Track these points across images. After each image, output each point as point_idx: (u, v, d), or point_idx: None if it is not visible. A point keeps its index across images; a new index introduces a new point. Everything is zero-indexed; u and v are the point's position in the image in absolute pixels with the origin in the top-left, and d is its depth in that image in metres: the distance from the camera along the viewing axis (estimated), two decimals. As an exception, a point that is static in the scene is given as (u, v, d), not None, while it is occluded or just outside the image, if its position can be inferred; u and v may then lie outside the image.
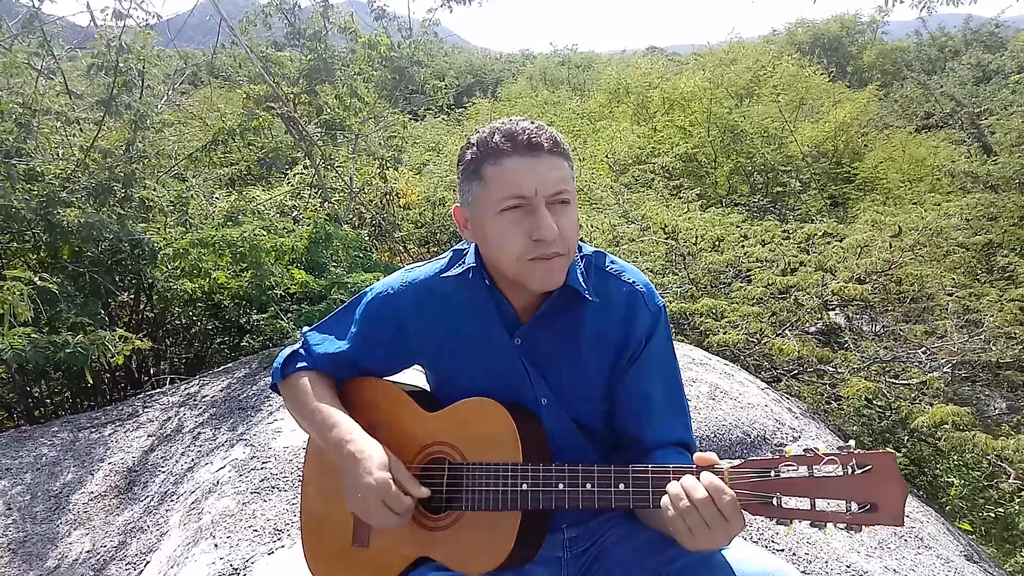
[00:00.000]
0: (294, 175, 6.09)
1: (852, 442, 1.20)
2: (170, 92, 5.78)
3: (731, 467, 1.23)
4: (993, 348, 4.61)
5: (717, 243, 5.91)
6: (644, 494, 1.28)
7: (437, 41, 6.96)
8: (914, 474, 4.07)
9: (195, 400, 3.75)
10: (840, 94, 11.73)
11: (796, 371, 4.81)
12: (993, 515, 3.72)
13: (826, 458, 1.18)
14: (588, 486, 1.31)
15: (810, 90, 11.14)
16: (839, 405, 4.39)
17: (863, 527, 1.16)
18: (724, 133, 9.12)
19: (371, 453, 1.41)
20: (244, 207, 5.01)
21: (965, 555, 2.77)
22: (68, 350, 3.36)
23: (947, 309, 5.07)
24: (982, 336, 4.70)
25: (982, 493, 3.84)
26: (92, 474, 3.25)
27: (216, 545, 2.45)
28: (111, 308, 4.44)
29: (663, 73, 11.97)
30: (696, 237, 5.90)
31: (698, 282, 5.55)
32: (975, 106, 11.03)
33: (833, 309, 5.45)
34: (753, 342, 4.73)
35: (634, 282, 1.53)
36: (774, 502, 1.19)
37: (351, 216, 6.03)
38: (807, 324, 5.23)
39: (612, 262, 1.55)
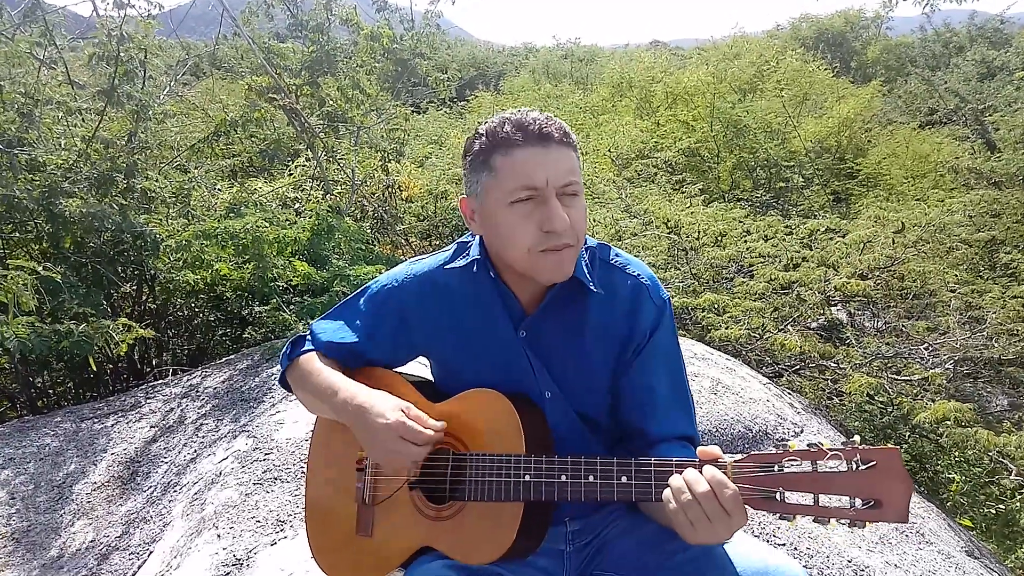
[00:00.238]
0: (296, 167, 6.09)
1: (856, 437, 1.19)
2: (172, 83, 5.77)
3: (734, 461, 1.22)
4: (995, 345, 4.60)
5: (719, 238, 5.90)
6: (647, 487, 1.28)
7: (439, 34, 6.94)
8: (915, 470, 4.08)
9: (197, 391, 3.75)
10: (844, 90, 11.69)
11: (798, 366, 4.81)
12: (994, 511, 3.73)
13: (830, 453, 1.16)
14: (591, 478, 1.31)
15: (814, 85, 11.09)
16: (841, 401, 4.39)
17: (866, 523, 1.14)
18: (727, 128, 9.09)
19: (380, 399, 1.43)
20: (246, 199, 5.01)
21: (966, 551, 2.77)
22: (72, 339, 3.36)
23: (949, 305, 5.06)
24: (984, 333, 4.69)
25: (983, 489, 3.85)
26: (95, 464, 3.25)
27: (219, 536, 2.46)
28: (113, 299, 4.44)
29: (666, 67, 11.94)
30: (699, 232, 5.89)
31: (700, 277, 5.55)
32: (979, 102, 10.99)
33: (835, 305, 5.44)
34: (755, 337, 4.73)
35: (639, 275, 1.52)
36: (777, 496, 1.18)
37: (353, 208, 6.03)
38: (809, 319, 5.22)
39: (617, 255, 1.55)
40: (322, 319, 1.66)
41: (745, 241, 5.71)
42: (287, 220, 4.71)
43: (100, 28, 4.37)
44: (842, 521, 1.15)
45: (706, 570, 1.35)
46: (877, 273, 5.10)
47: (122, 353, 3.72)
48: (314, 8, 5.94)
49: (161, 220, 4.52)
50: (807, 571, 2.30)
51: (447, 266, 1.54)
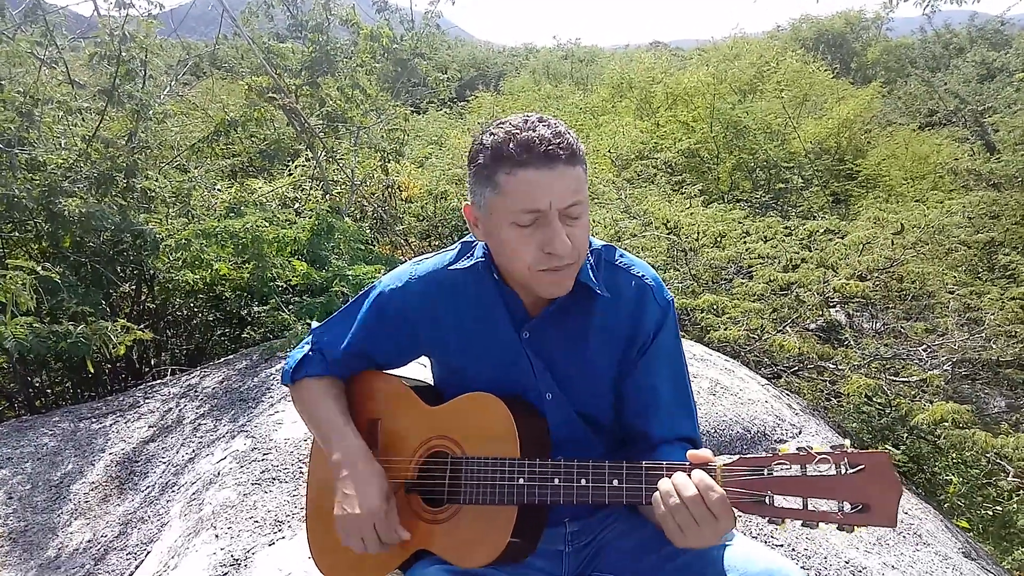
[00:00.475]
0: (296, 167, 6.09)
1: (846, 441, 1.19)
2: (172, 82, 5.77)
3: (723, 465, 1.22)
4: (993, 346, 4.61)
5: (719, 239, 5.91)
6: (637, 490, 1.28)
7: (439, 34, 6.95)
8: (913, 471, 4.08)
9: (196, 391, 3.75)
10: (844, 91, 11.70)
11: (796, 368, 4.81)
12: (991, 513, 3.73)
13: (819, 457, 1.16)
14: (583, 481, 1.32)
15: (814, 86, 11.10)
16: (839, 402, 4.39)
17: (855, 527, 1.15)
18: (727, 129, 9.09)
19: (375, 478, 1.45)
20: (246, 199, 5.01)
21: (963, 552, 2.77)
22: (70, 340, 3.36)
23: (948, 307, 5.07)
24: (983, 334, 4.70)
25: (981, 491, 3.85)
26: (93, 464, 3.25)
27: (217, 536, 2.46)
28: (112, 299, 4.44)
29: (666, 68, 11.94)
30: (698, 233, 5.90)
31: (699, 278, 5.55)
32: (979, 104, 11.00)
33: (834, 306, 5.45)
34: (754, 338, 4.74)
35: (643, 276, 1.52)
36: (766, 500, 1.18)
37: (353, 208, 6.03)
38: (808, 321, 5.23)
39: (621, 256, 1.55)
40: (324, 324, 1.66)
41: (744, 242, 5.72)
42: (287, 220, 4.71)
43: (102, 28, 4.37)
44: (830, 525, 1.15)
45: (704, 572, 1.36)
46: (876, 274, 5.10)
47: (120, 354, 3.72)
48: (313, 8, 5.94)
49: (161, 220, 4.52)
50: (805, 572, 2.31)
51: (451, 267, 1.54)
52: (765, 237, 5.79)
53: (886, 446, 4.08)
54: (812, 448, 1.18)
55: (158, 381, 4.13)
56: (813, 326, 5.35)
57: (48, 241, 4.19)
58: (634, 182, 7.74)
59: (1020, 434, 3.66)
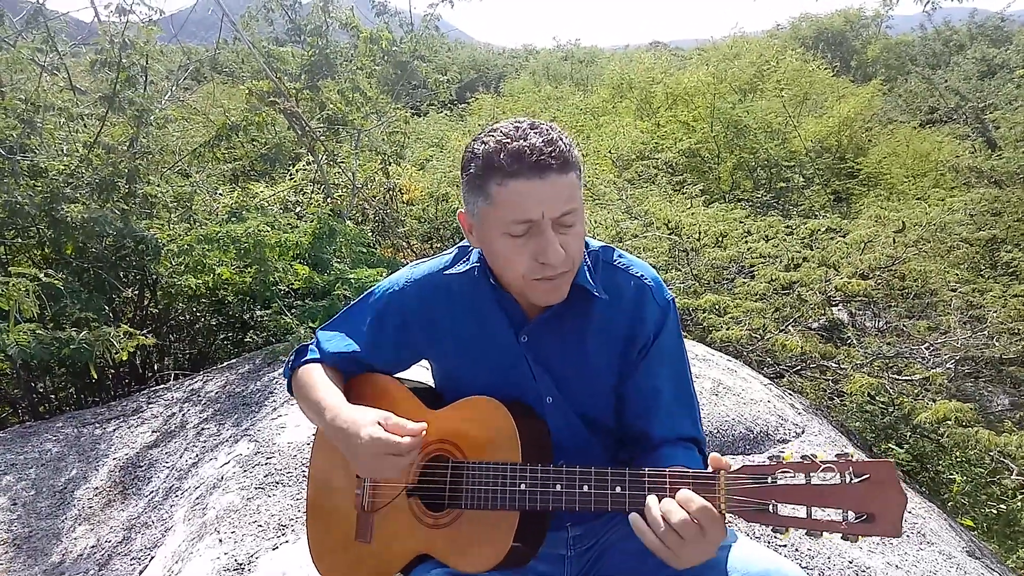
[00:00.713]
0: (297, 171, 6.10)
1: (851, 449, 1.18)
2: (173, 88, 5.78)
3: (727, 473, 1.21)
4: (996, 344, 4.60)
5: (720, 239, 5.91)
6: (640, 498, 1.27)
7: (439, 36, 6.95)
8: (916, 470, 4.07)
9: (199, 396, 3.76)
10: (844, 89, 11.70)
11: (799, 367, 4.81)
12: (995, 511, 3.72)
13: (823, 465, 1.15)
14: (585, 488, 1.31)
15: (814, 85, 11.10)
16: (842, 401, 4.39)
17: (859, 537, 1.13)
18: (727, 128, 9.09)
19: (359, 416, 1.41)
20: (247, 203, 5.02)
21: (967, 551, 2.77)
22: (73, 346, 3.37)
23: (950, 305, 5.06)
24: (985, 332, 4.69)
25: (984, 489, 3.84)
26: (96, 469, 3.26)
27: (220, 540, 2.46)
28: (115, 304, 4.45)
29: (666, 68, 11.94)
30: (699, 233, 5.90)
31: (701, 278, 5.55)
32: (980, 101, 10.98)
33: (836, 305, 5.44)
34: (756, 338, 4.73)
35: (643, 276, 1.52)
36: (770, 509, 1.17)
37: (354, 212, 6.04)
38: (810, 320, 5.22)
39: (620, 256, 1.54)
40: (326, 327, 1.67)
41: (746, 241, 5.72)
42: (288, 224, 4.71)
43: (102, 34, 4.38)
44: (834, 535, 1.14)
45: (705, 575, 1.35)
46: (878, 273, 5.10)
47: (123, 359, 3.72)
48: (312, 12, 5.96)
49: (163, 225, 4.53)
50: (808, 573, 2.31)
51: (447, 271, 1.55)
52: (767, 236, 5.79)
53: (889, 445, 4.08)
54: (816, 456, 1.16)
55: (161, 386, 4.14)
56: (815, 325, 5.34)
57: (51, 247, 4.20)
58: (635, 182, 7.75)
59: (1023, 432, 3.66)
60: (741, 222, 6.19)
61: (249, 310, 4.73)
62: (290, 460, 2.91)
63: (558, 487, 1.33)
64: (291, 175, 6.09)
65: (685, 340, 1.61)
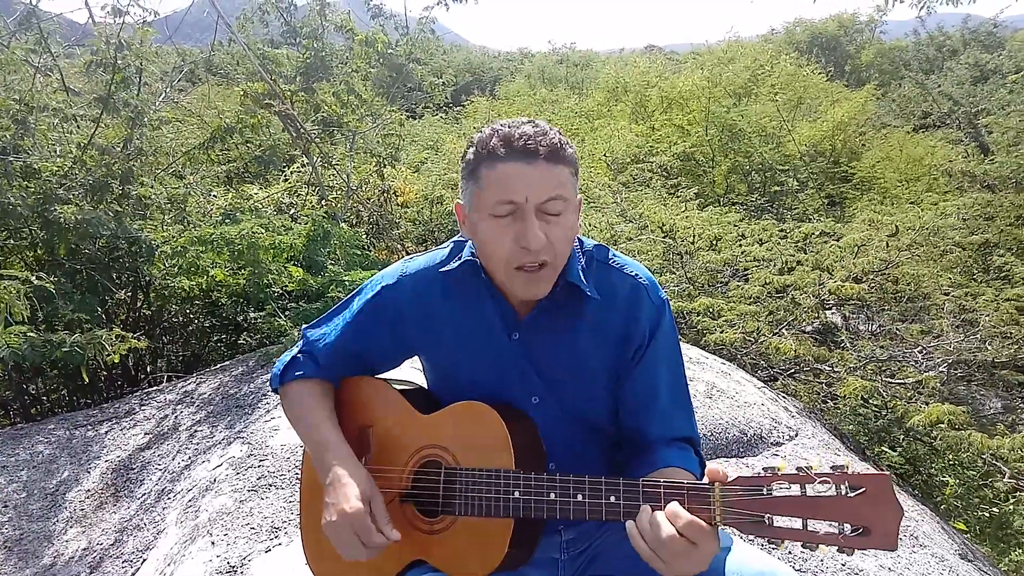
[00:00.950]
0: (291, 173, 6.09)
1: (846, 461, 1.18)
2: (168, 89, 5.77)
3: (722, 485, 1.21)
4: (989, 347, 4.62)
5: (714, 242, 5.92)
6: (634, 508, 1.26)
7: (434, 39, 6.97)
8: (909, 473, 4.08)
9: (192, 398, 3.74)
10: (838, 93, 11.75)
11: (793, 370, 4.82)
12: (988, 514, 3.73)
13: (819, 478, 1.15)
14: (579, 497, 1.31)
15: (808, 89, 11.14)
16: (835, 404, 4.40)
17: (855, 550, 1.13)
18: (722, 132, 9.12)
19: (355, 481, 1.40)
20: (242, 205, 5.01)
21: (960, 554, 2.78)
22: (64, 349, 3.35)
23: (943, 308, 5.08)
24: (978, 335, 4.70)
25: (977, 492, 3.85)
26: (88, 472, 3.25)
27: (213, 543, 2.45)
28: (108, 306, 4.44)
29: (661, 72, 11.97)
30: (693, 236, 5.91)
31: (695, 281, 5.56)
32: (972, 106, 11.03)
33: (830, 308, 5.46)
34: (750, 341, 4.74)
35: (637, 275, 1.52)
36: (765, 521, 1.17)
37: (349, 214, 6.04)
38: (804, 323, 5.23)
39: (614, 256, 1.54)
40: (316, 324, 1.64)
41: (740, 245, 5.72)
42: (282, 226, 4.71)
43: (96, 35, 4.37)
44: (830, 548, 1.14)
45: None
46: (871, 276, 5.12)
47: (115, 362, 3.71)
48: (308, 14, 5.95)
49: (156, 226, 4.52)
50: (801, 575, 2.31)
51: (442, 268, 1.54)
52: (760, 240, 5.80)
53: (882, 448, 4.09)
54: (812, 468, 1.16)
55: (154, 388, 4.12)
56: (809, 328, 5.36)
57: (43, 249, 4.18)
58: (630, 186, 7.75)
59: (1016, 435, 3.67)
60: (735, 225, 6.20)
61: (243, 312, 4.72)
62: (283, 462, 2.90)
63: (552, 495, 1.32)
64: (285, 177, 6.08)
65: (679, 342, 1.60)
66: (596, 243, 1.56)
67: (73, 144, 4.41)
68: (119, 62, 4.31)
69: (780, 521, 1.17)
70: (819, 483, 1.15)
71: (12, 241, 4.20)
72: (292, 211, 5.63)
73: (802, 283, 5.00)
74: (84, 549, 2.83)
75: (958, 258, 5.81)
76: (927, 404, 3.98)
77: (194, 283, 4.31)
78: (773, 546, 1.18)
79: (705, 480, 1.24)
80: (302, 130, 5.57)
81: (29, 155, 4.11)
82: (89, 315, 3.80)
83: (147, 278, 4.48)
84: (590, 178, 7.16)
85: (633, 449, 1.51)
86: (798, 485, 1.16)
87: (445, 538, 1.42)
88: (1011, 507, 3.70)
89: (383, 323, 1.57)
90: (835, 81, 13.80)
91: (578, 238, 1.54)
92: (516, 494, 1.34)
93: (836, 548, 1.13)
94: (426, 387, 1.67)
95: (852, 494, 1.13)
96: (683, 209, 6.59)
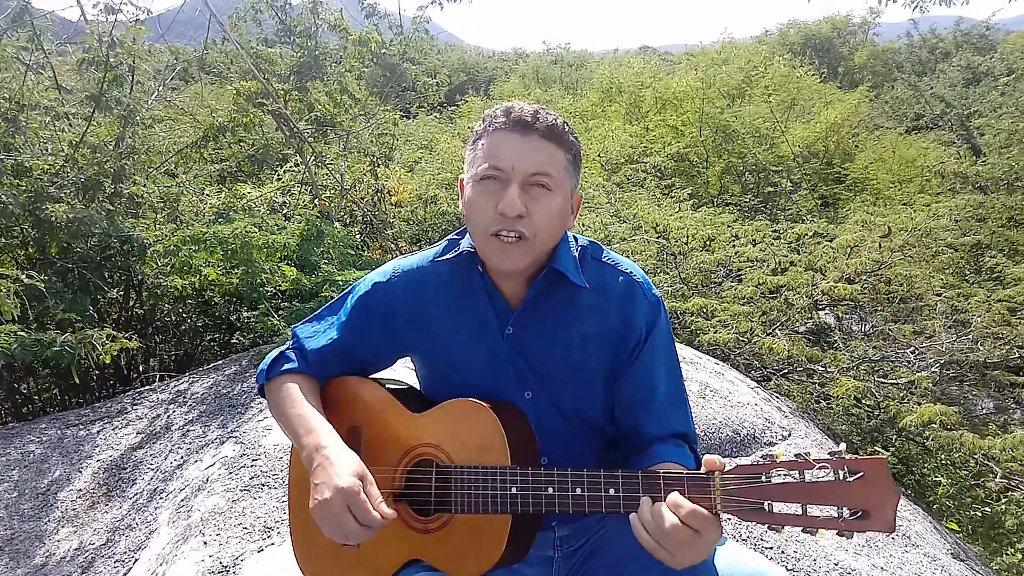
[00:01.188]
0: (285, 172, 6.08)
1: (843, 446, 1.19)
2: (160, 88, 5.75)
3: (722, 473, 1.22)
4: (981, 348, 4.64)
5: (708, 243, 5.93)
6: (634, 500, 1.27)
7: (428, 39, 6.97)
8: (902, 473, 4.10)
9: (184, 397, 3.73)
10: (831, 95, 11.79)
11: (786, 370, 4.83)
12: (980, 514, 3.75)
13: (817, 464, 1.16)
14: (578, 490, 1.30)
15: (801, 91, 11.18)
16: (828, 404, 4.41)
17: (854, 533, 1.15)
18: (716, 133, 9.14)
19: (345, 460, 1.36)
20: (235, 204, 4.99)
21: (952, 553, 2.79)
22: (55, 348, 3.33)
23: (935, 309, 5.10)
24: (970, 336, 4.73)
25: (969, 492, 3.87)
26: (80, 471, 3.23)
27: (205, 543, 2.44)
28: (100, 305, 4.41)
29: (655, 73, 11.99)
30: (687, 236, 5.92)
31: (689, 281, 5.57)
32: (965, 108, 11.08)
33: (823, 309, 5.48)
34: (743, 341, 4.75)
35: (631, 272, 1.52)
36: (765, 507, 1.18)
37: (342, 213, 6.02)
38: (797, 323, 5.25)
39: (608, 254, 1.55)
40: (307, 321, 1.63)
41: (733, 245, 5.74)
42: (276, 225, 4.69)
43: (89, 33, 4.35)
44: (830, 531, 1.15)
45: (694, 574, 1.35)
46: (864, 277, 5.13)
47: (107, 362, 3.69)
48: (301, 13, 5.95)
49: (149, 225, 4.50)
50: (794, 575, 2.32)
51: (437, 259, 1.54)
52: (754, 240, 5.81)
53: (875, 448, 4.10)
54: (810, 455, 1.17)
55: (146, 387, 4.11)
56: (802, 329, 5.37)
57: (35, 247, 4.15)
58: (623, 186, 7.76)
59: (1007, 436, 3.69)
60: (729, 226, 6.21)
61: (236, 311, 4.71)
62: (276, 462, 2.89)
63: (550, 490, 1.32)
64: (279, 176, 6.07)
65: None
66: (591, 240, 1.57)
67: (65, 142, 4.38)
68: (111, 60, 4.29)
69: (779, 507, 1.18)
70: (817, 469, 1.16)
71: (3, 240, 4.17)
72: (285, 210, 5.62)
73: (795, 284, 5.02)
74: (76, 549, 2.81)
75: (950, 259, 5.83)
76: (919, 404, 4.00)
77: (187, 282, 4.29)
78: (773, 531, 1.19)
79: (703, 470, 1.24)
80: (295, 129, 5.56)
81: (20, 153, 4.08)
82: (81, 314, 3.78)
83: (139, 277, 4.46)
84: (584, 178, 7.16)
85: (629, 447, 1.51)
86: (796, 471, 1.18)
87: (441, 537, 1.41)
88: (1003, 507, 3.72)
89: (375, 320, 1.56)
90: (828, 83, 13.86)
91: (573, 236, 1.54)
92: (513, 490, 1.34)
93: (836, 532, 1.15)
94: (418, 388, 1.67)
95: (851, 479, 1.15)
96: (677, 210, 6.61)
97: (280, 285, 4.33)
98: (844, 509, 1.15)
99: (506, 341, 1.49)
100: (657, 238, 5.88)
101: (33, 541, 2.88)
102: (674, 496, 1.21)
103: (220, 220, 4.48)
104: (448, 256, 1.53)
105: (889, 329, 5.17)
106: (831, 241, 5.52)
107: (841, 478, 1.15)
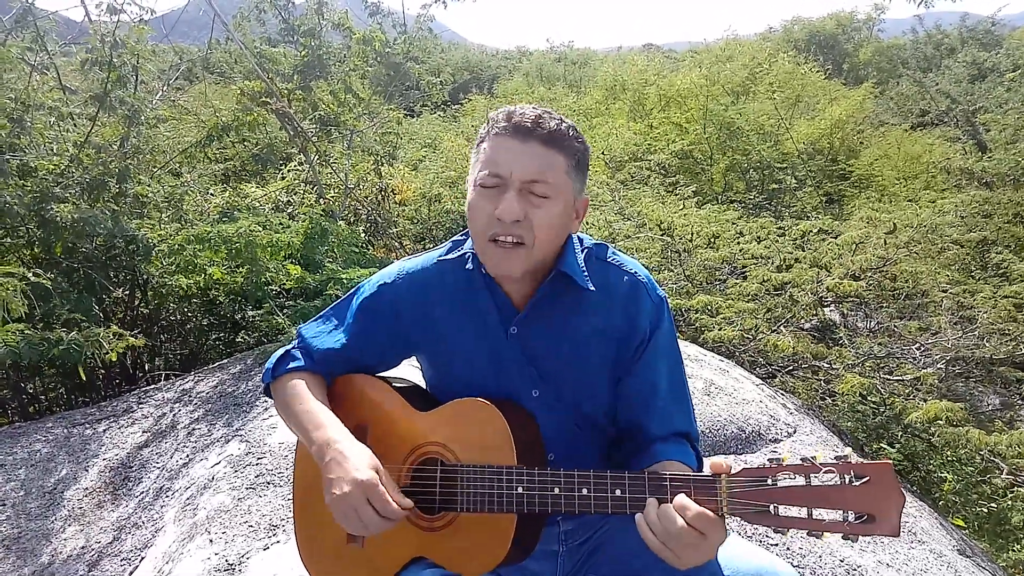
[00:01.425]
0: (289, 171, 6.08)
1: (849, 450, 1.20)
2: (164, 87, 5.77)
3: (728, 476, 1.22)
4: (987, 344, 4.62)
5: (712, 240, 5.92)
6: (640, 501, 1.27)
7: (432, 37, 6.96)
8: (908, 469, 4.09)
9: (190, 396, 3.74)
10: (836, 91, 11.74)
11: (791, 367, 4.82)
12: (986, 510, 3.74)
13: (824, 467, 1.17)
14: (584, 491, 1.31)
15: (806, 87, 11.14)
16: (834, 401, 4.40)
17: (859, 537, 1.16)
18: (720, 130, 9.12)
19: (359, 453, 1.38)
20: (239, 203, 5.00)
21: (958, 550, 2.78)
22: (62, 347, 3.34)
23: (941, 306, 5.08)
24: (976, 332, 4.71)
25: (975, 488, 3.86)
26: (86, 470, 3.24)
27: (211, 541, 2.45)
28: (105, 304, 4.42)
29: (659, 70, 11.97)
30: (692, 234, 5.91)
31: (693, 279, 5.56)
32: (970, 104, 11.03)
33: (828, 305, 5.46)
34: (748, 338, 4.74)
35: (636, 272, 1.53)
36: (771, 510, 1.19)
37: (346, 212, 6.03)
38: (802, 320, 5.24)
39: (613, 254, 1.56)
40: (312, 322, 1.64)
41: (738, 243, 5.73)
42: (280, 224, 4.70)
43: (93, 33, 4.36)
44: (835, 535, 1.16)
45: (700, 571, 1.35)
46: (869, 274, 5.12)
47: (113, 360, 3.70)
48: (305, 13, 5.95)
49: (154, 225, 4.51)
50: (799, 571, 2.32)
51: (441, 259, 1.55)
52: (759, 237, 5.80)
53: (881, 445, 4.09)
54: (816, 458, 1.18)
55: (152, 386, 4.12)
56: (807, 326, 5.36)
57: (40, 247, 4.17)
58: (628, 184, 7.75)
59: (1013, 432, 3.67)
60: (733, 223, 6.20)
61: (241, 310, 4.72)
62: (281, 460, 2.90)
63: (556, 490, 1.32)
64: (283, 175, 6.07)
65: (678, 340, 1.61)
66: (596, 241, 1.57)
67: (69, 142, 4.40)
68: (115, 60, 4.30)
69: (785, 510, 1.18)
70: (823, 472, 1.17)
71: (9, 239, 4.19)
72: (290, 209, 5.63)
73: (800, 280, 5.01)
74: (82, 547, 2.82)
75: (956, 255, 5.81)
76: (925, 401, 3.98)
77: (192, 281, 4.30)
78: (779, 534, 1.20)
79: (708, 472, 1.25)
80: (299, 128, 5.57)
81: (25, 153, 4.09)
82: (86, 314, 3.79)
83: (144, 276, 4.47)
84: (588, 176, 7.13)
85: (632, 446, 1.51)
86: (803, 475, 1.18)
87: (446, 535, 1.42)
88: (1009, 503, 3.71)
89: (380, 322, 1.56)
90: (833, 79, 13.81)
91: (578, 236, 1.55)
92: (519, 489, 1.34)
93: (841, 535, 1.16)
94: (424, 386, 1.67)
95: (857, 483, 1.15)
96: (681, 207, 6.59)
97: (285, 284, 4.33)
98: (850, 513, 1.16)
99: (511, 340, 1.49)
100: (661, 235, 5.87)
101: (40, 540, 2.89)
102: (680, 498, 1.22)
103: (224, 219, 4.49)
104: (452, 256, 1.53)
105: (895, 325, 5.16)
106: (836, 238, 5.51)
107: (847, 482, 1.16)
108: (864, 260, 5.08)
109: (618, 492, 1.29)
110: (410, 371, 1.71)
